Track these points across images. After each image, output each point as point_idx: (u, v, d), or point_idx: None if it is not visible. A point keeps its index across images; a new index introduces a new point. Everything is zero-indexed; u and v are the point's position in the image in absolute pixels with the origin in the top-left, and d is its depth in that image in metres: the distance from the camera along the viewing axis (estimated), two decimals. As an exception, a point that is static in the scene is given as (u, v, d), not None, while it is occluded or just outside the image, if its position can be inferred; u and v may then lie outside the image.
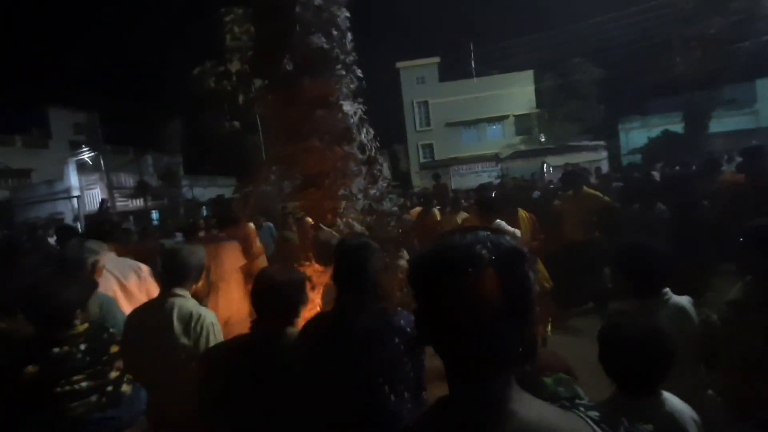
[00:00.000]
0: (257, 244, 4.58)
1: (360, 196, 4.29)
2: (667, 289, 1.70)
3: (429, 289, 0.56)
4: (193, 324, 1.71)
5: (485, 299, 0.51)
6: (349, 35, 4.58)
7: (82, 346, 1.35)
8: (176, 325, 1.70)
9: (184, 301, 1.79)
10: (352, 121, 4.34)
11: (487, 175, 20.84)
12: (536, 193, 7.29)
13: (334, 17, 4.35)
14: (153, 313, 1.75)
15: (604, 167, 18.03)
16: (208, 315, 1.80)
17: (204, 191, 23.91)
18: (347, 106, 4.33)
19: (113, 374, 1.42)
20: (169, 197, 21.26)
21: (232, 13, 16.55)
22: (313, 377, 1.36)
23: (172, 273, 1.84)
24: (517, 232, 3.61)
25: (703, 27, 16.83)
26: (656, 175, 7.44)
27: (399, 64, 28.17)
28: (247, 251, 4.05)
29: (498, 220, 3.38)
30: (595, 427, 0.58)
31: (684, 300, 1.70)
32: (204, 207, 19.88)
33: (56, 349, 1.30)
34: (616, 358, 1.25)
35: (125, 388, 1.44)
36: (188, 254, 1.90)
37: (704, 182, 4.84)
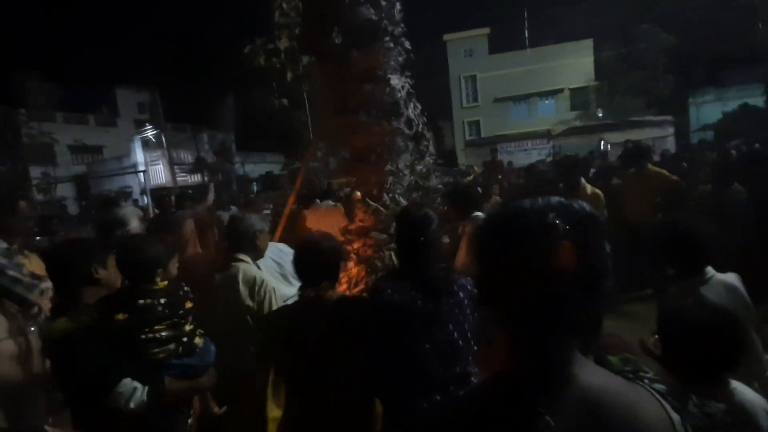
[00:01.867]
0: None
1: (406, 172, 4.25)
2: (710, 267, 1.63)
3: (501, 252, 0.55)
4: (257, 288, 1.85)
5: (558, 265, 0.49)
6: (398, 5, 4.45)
7: (162, 300, 1.53)
8: (242, 288, 1.86)
9: (247, 266, 1.94)
10: (399, 95, 4.27)
11: (537, 153, 19.91)
12: (592, 171, 6.87)
13: (382, -14, 4.24)
14: (221, 277, 1.94)
15: (670, 145, 16.58)
16: (270, 281, 1.93)
17: (254, 167, 24.91)
18: (395, 80, 4.25)
19: (188, 327, 1.59)
20: (223, 173, 22.37)
21: (280, -11, 16.66)
22: (394, 335, 1.45)
23: (235, 240, 2.00)
24: None
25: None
26: (734, 153, 6.73)
27: (446, 37, 27.12)
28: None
29: (477, 213, 3.03)
30: (660, 399, 0.55)
31: (730, 277, 1.63)
32: (254, 183, 20.74)
33: (141, 301, 1.49)
34: (680, 344, 1.16)
35: (198, 340, 1.61)
36: (249, 223, 2.04)
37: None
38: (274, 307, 1.85)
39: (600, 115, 24.53)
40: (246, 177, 22.80)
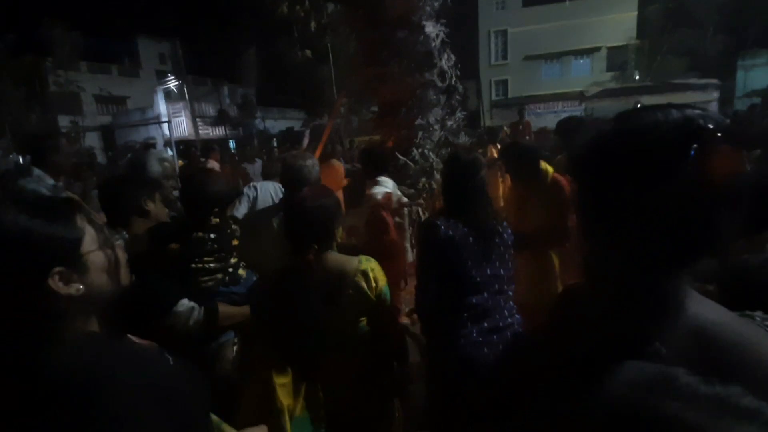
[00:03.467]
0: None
1: (437, 126, 4.12)
2: None
3: (618, 170, 0.49)
4: None
5: (681, 185, 0.44)
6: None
7: (213, 236, 1.62)
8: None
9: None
10: (433, 44, 4.06)
11: (568, 115, 19.03)
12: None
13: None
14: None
15: (714, 110, 15.56)
16: None
17: (275, 123, 24.76)
18: (429, 27, 4.02)
19: (233, 260, 1.69)
20: (243, 127, 22.35)
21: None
22: (448, 267, 1.51)
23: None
24: (403, 198, 3.10)
25: None
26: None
27: (477, -13, 25.43)
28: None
29: (382, 177, 2.80)
30: None
31: None
32: (274, 139, 20.70)
33: (194, 234, 1.59)
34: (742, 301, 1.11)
35: (242, 272, 1.71)
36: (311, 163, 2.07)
37: None
38: None
39: (637, 77, 23.03)
40: (266, 132, 22.74)
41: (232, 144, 21.11)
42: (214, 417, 0.92)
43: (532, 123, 10.75)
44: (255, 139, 20.86)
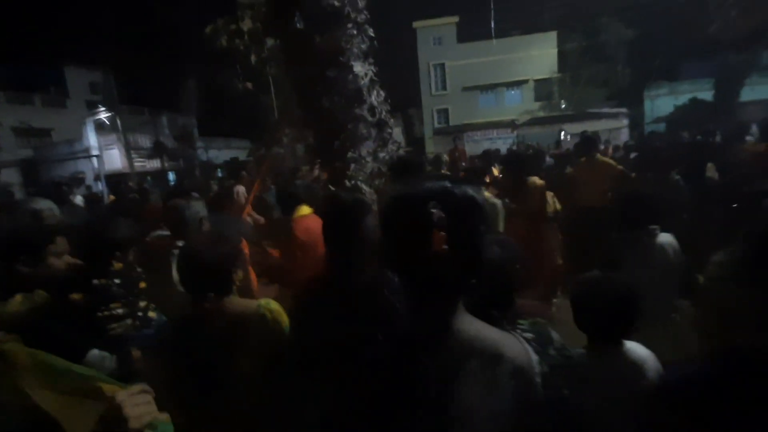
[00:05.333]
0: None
1: (369, 159, 4.32)
2: (656, 226, 2.03)
3: (392, 226, 0.65)
4: None
5: (432, 245, 0.59)
6: (362, -8, 4.43)
7: (117, 281, 1.61)
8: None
9: None
10: (362, 82, 4.30)
11: (503, 141, 20.43)
12: (549, 160, 7.20)
13: (345, -27, 4.21)
14: None
15: (624, 135, 17.42)
16: None
17: (219, 153, 24.11)
18: (358, 67, 4.27)
19: (142, 304, 1.68)
20: (184, 158, 21.54)
21: (244, -33, 15.86)
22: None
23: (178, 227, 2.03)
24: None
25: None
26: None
27: (416, 24, 27.08)
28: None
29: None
30: (524, 343, 0.67)
31: (668, 236, 2.04)
32: (219, 169, 20.12)
33: (96, 281, 1.57)
34: (584, 310, 1.35)
35: (152, 314, 1.71)
36: (194, 210, 2.05)
37: (724, 151, 4.71)
38: None
39: (563, 106, 25.40)
40: (210, 163, 22.06)
41: (171, 176, 20.24)
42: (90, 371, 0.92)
43: (468, 149, 11.38)
44: (197, 170, 20.15)
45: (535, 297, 1.64)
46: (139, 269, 1.75)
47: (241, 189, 5.60)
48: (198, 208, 2.14)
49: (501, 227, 3.13)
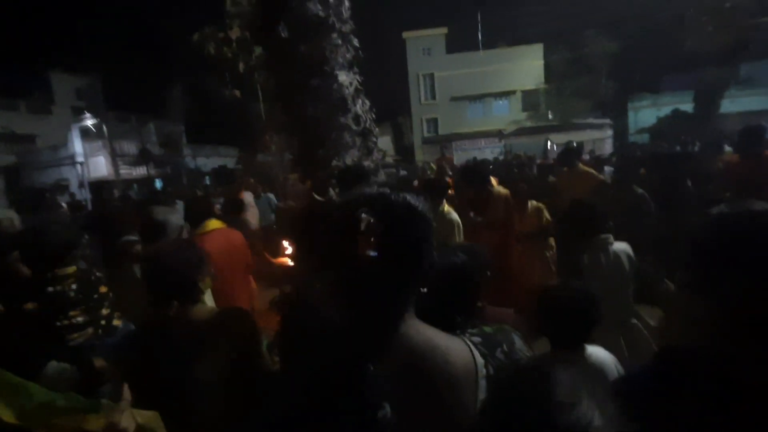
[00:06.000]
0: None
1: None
2: (609, 235, 2.12)
3: (331, 236, 0.68)
4: None
5: (366, 254, 0.61)
6: (347, 3, 4.50)
7: (74, 286, 1.52)
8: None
9: None
10: (347, 91, 4.34)
11: (490, 151, 20.68)
12: (535, 170, 7.32)
13: (330, -17, 4.27)
14: None
15: (608, 146, 17.77)
16: None
17: (207, 161, 23.93)
18: (342, 76, 4.31)
19: (105, 311, 1.61)
20: (171, 166, 21.33)
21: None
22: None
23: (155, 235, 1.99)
24: None
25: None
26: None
27: (405, 35, 27.40)
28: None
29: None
30: (471, 346, 0.68)
31: (623, 244, 2.13)
32: (207, 177, 19.95)
33: (50, 289, 1.48)
34: (547, 317, 1.39)
35: (117, 322, 1.63)
36: (177, 217, 2.01)
37: (700, 162, 4.83)
38: None
39: (550, 116, 25.83)
40: (198, 170, 21.88)
41: (158, 183, 20.01)
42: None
43: (457, 158, 11.50)
44: (183, 177, 19.97)
45: (509, 305, 1.65)
46: (98, 273, 1.68)
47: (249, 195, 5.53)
48: (174, 218, 2.08)
49: (458, 238, 3.12)
